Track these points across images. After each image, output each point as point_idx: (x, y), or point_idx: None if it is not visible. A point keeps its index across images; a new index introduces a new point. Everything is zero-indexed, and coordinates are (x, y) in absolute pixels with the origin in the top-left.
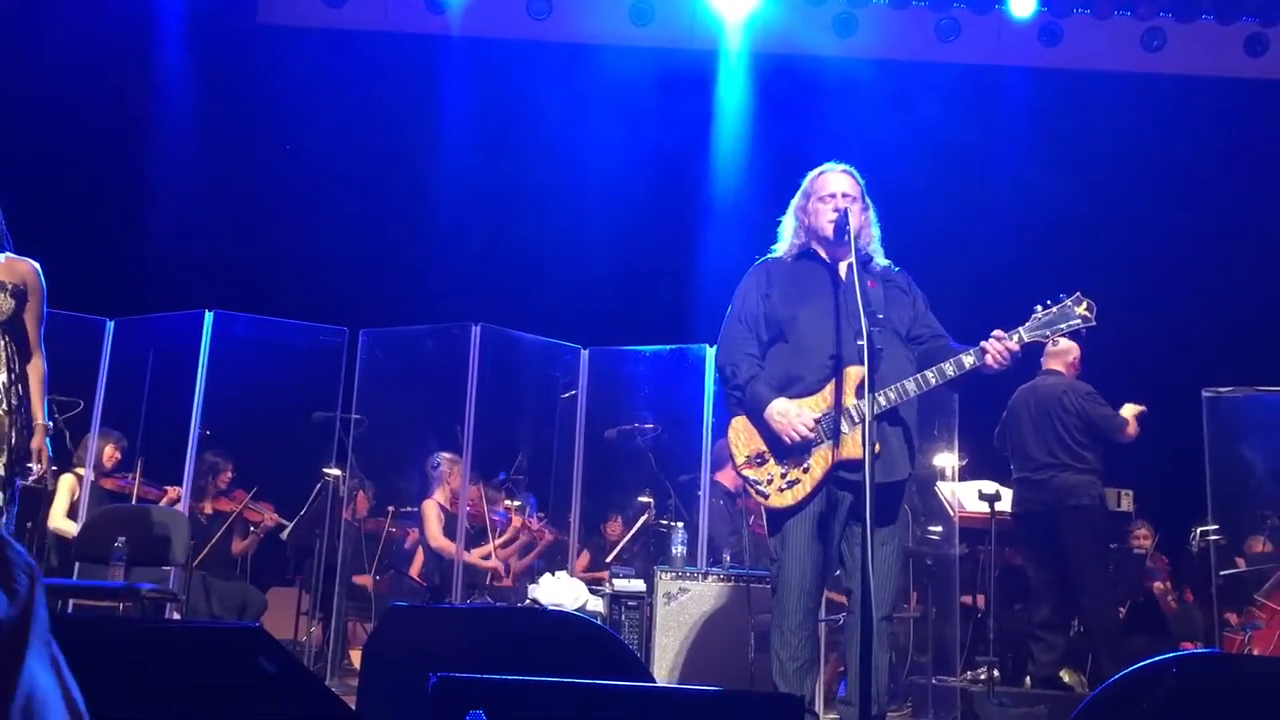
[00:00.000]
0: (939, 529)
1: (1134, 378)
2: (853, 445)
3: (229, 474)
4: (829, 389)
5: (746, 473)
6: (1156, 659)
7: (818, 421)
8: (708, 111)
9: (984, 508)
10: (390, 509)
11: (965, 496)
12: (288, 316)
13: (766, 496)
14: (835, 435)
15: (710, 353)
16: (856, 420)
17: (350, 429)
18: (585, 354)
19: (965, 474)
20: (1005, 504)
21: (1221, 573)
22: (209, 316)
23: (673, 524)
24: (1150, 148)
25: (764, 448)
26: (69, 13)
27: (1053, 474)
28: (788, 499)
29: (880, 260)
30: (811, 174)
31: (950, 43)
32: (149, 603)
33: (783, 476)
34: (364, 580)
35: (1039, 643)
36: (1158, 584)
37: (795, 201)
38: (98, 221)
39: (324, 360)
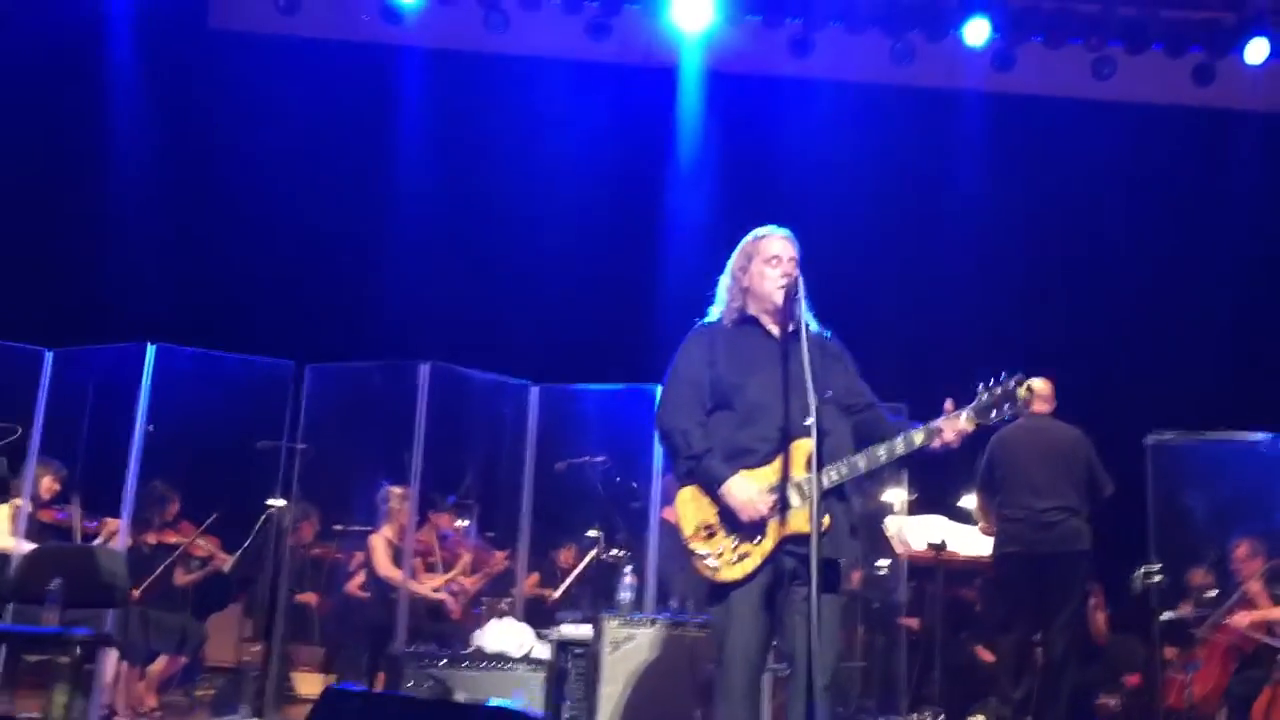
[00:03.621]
0: (886, 563)
1: (1078, 420)
2: (801, 520)
3: (176, 505)
4: (779, 461)
5: (695, 545)
6: None
7: (774, 497)
8: (663, 133)
9: (933, 540)
10: (337, 527)
11: (912, 534)
12: (232, 348)
13: (716, 569)
14: (783, 510)
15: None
16: (805, 494)
17: (295, 458)
18: (535, 390)
19: (915, 509)
20: (955, 547)
21: (1162, 615)
22: (151, 350)
23: (621, 555)
24: (1099, 178)
25: (714, 520)
26: (9, 19)
27: (1064, 517)
28: (737, 572)
29: (813, 326)
30: (751, 237)
31: (905, 66)
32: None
33: (733, 550)
34: (307, 597)
35: (1010, 692)
36: (1092, 599)
37: (734, 263)
38: (37, 250)
39: (269, 395)
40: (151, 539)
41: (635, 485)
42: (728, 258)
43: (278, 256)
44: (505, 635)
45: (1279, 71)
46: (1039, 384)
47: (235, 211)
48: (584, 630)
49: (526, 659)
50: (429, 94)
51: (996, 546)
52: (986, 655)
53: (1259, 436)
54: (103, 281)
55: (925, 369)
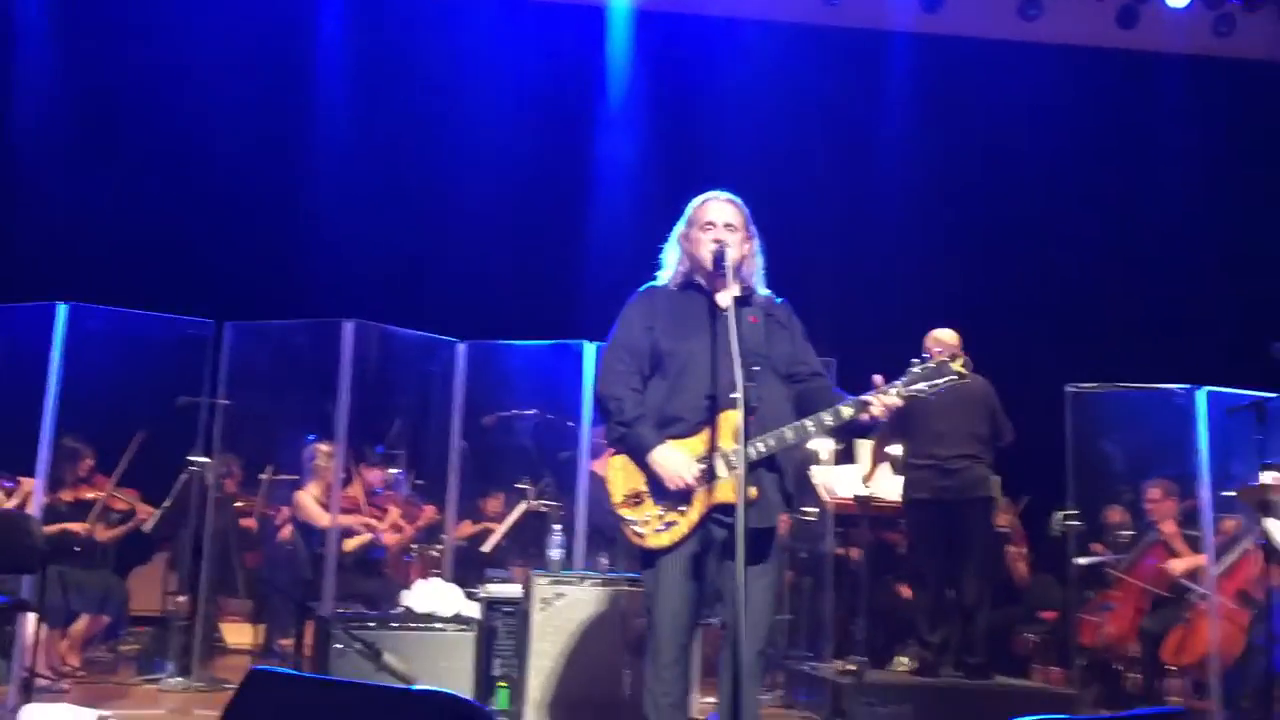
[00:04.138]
0: (814, 511)
1: (1000, 370)
2: (729, 490)
3: (90, 460)
4: (708, 432)
5: (623, 512)
6: None
7: (702, 467)
8: (591, 76)
9: (859, 491)
10: (263, 476)
11: (839, 483)
12: (149, 307)
13: (643, 536)
14: (710, 479)
15: (589, 348)
16: (733, 465)
17: (217, 414)
18: (462, 347)
19: (841, 458)
20: (882, 493)
21: (1078, 561)
22: (62, 309)
23: (551, 506)
24: (1025, 121)
25: (642, 488)
26: None
27: (967, 464)
28: (664, 540)
29: (762, 291)
30: (695, 201)
31: (834, 6)
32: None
33: (660, 518)
34: (249, 522)
35: (927, 636)
36: (1010, 547)
37: (678, 228)
38: None
39: (188, 353)
40: (68, 496)
41: (571, 424)
42: (655, 208)
43: (195, 212)
44: (434, 595)
45: (1200, 14)
46: (943, 333)
47: (150, 165)
48: (513, 589)
49: (456, 618)
50: (349, 36)
51: (905, 494)
52: (909, 593)
53: (1174, 387)
54: (11, 239)
55: (851, 319)
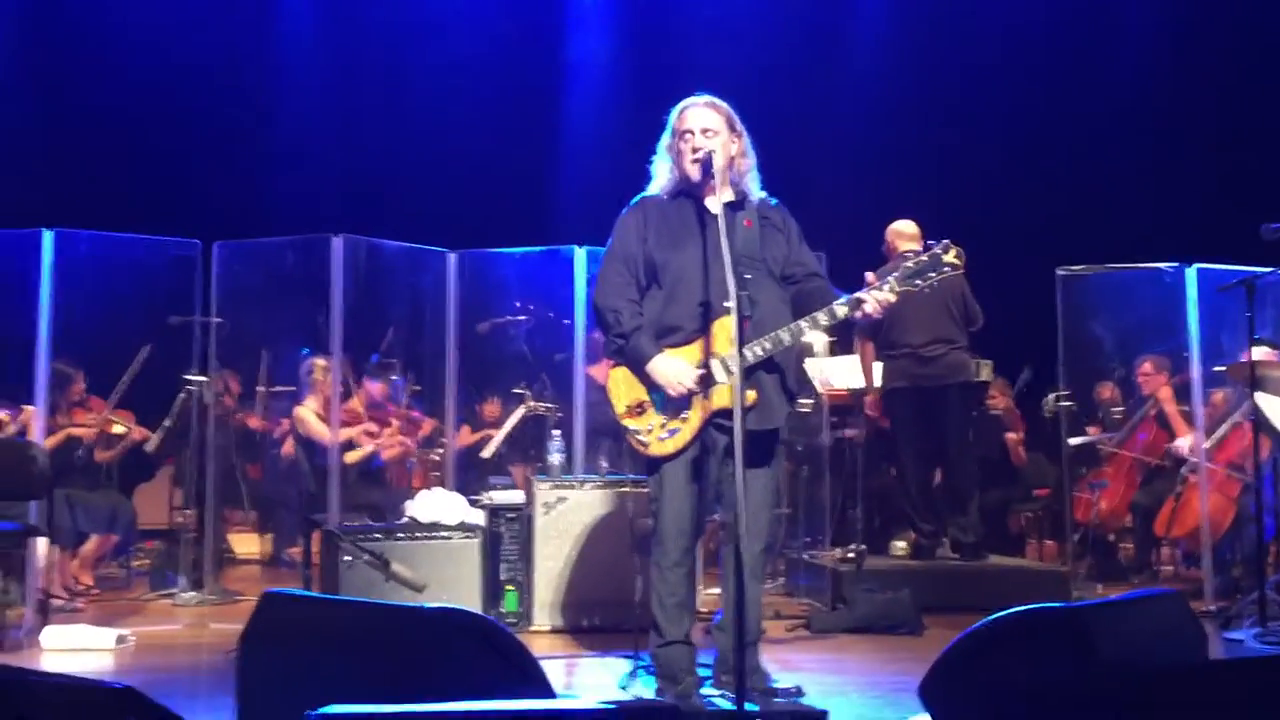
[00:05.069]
0: (809, 401)
1: (993, 256)
2: (727, 395)
3: (81, 384)
4: (704, 338)
5: (626, 422)
6: (1007, 612)
7: (700, 374)
8: None
9: (852, 384)
10: (260, 389)
11: (834, 374)
12: (134, 230)
13: (647, 445)
14: (709, 385)
15: (579, 254)
16: (730, 370)
17: (211, 333)
18: (453, 257)
19: (835, 350)
20: (876, 382)
21: (1070, 441)
22: (48, 236)
23: (550, 409)
24: (1002, 16)
25: (644, 398)
26: None
27: (943, 351)
28: (668, 447)
29: (756, 192)
30: (675, 109)
31: None
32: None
33: (663, 426)
34: (254, 421)
35: (920, 521)
36: (1010, 435)
37: (664, 139)
38: None
39: (177, 275)
40: (63, 421)
41: (566, 321)
42: (630, 108)
43: (175, 134)
44: (437, 504)
45: None
46: (904, 225)
47: (126, 88)
48: (515, 496)
49: (460, 526)
50: None
51: (884, 383)
52: None
53: (1163, 265)
54: None
55: (838, 210)
